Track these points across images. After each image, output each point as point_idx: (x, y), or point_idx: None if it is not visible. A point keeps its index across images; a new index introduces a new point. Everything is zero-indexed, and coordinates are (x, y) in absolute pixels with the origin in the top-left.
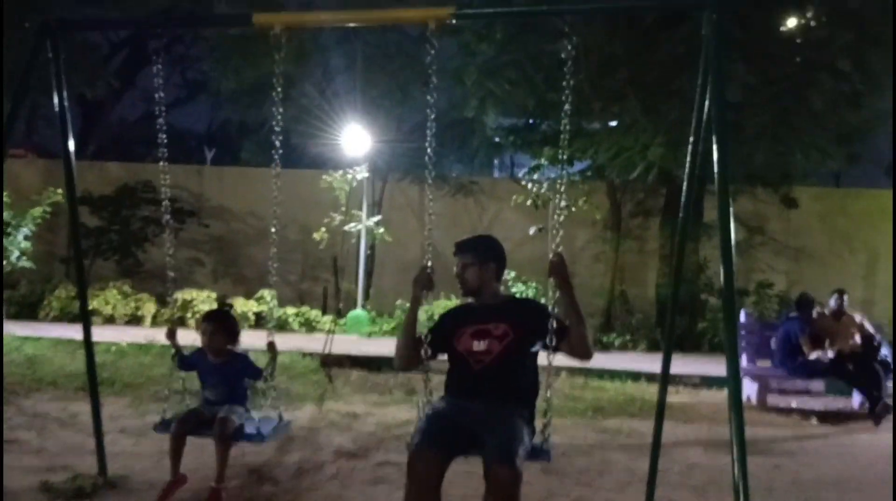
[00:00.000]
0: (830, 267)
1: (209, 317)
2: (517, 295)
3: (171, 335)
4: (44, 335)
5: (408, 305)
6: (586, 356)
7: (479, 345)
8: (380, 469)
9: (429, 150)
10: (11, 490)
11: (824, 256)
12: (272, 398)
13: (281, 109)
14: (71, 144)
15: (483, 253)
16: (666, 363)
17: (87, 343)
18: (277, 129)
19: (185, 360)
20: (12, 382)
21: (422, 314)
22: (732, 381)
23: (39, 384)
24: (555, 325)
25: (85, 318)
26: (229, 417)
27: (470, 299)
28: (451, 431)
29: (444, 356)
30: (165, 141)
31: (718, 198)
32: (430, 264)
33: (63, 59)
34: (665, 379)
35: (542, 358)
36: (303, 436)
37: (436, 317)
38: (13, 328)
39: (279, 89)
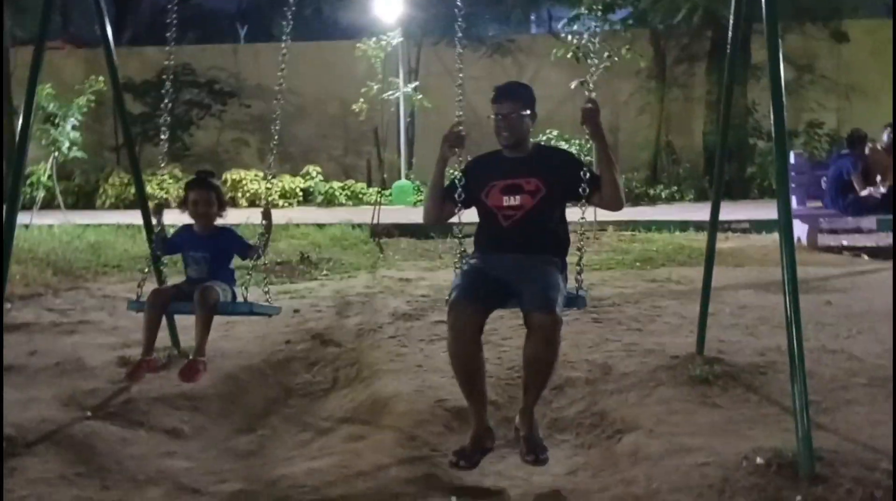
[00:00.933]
0: (883, 103)
1: (194, 183)
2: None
3: (159, 211)
4: (103, 222)
5: (452, 170)
6: (618, 205)
7: (509, 200)
8: (435, 328)
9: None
10: (90, 366)
11: (877, 92)
12: (265, 281)
13: None
14: (108, 31)
15: (525, 101)
16: (715, 209)
17: (148, 227)
18: None
19: (168, 242)
20: (79, 267)
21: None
22: (783, 218)
23: (106, 268)
24: (587, 175)
25: (143, 201)
26: (212, 286)
27: (499, 149)
28: (486, 284)
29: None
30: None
31: (767, 37)
32: (461, 123)
33: None
34: (714, 224)
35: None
36: (360, 302)
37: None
38: (73, 217)
39: None
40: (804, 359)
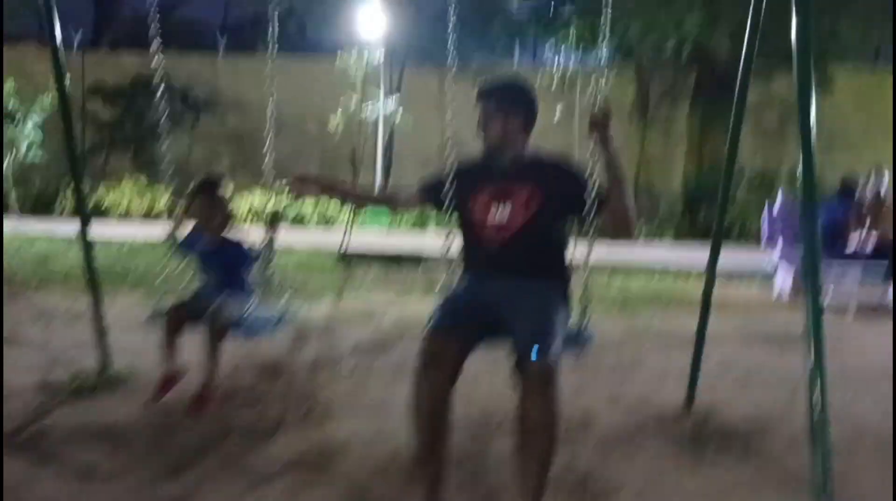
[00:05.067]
0: (862, 153)
1: (206, 187)
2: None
3: (179, 219)
4: (58, 232)
5: None
6: (627, 229)
7: (497, 215)
8: (402, 364)
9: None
10: (11, 388)
11: (856, 140)
12: (275, 287)
13: None
14: (57, 32)
15: (521, 101)
16: (714, 253)
17: (83, 231)
18: None
19: (186, 242)
20: (22, 279)
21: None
22: (811, 277)
23: (49, 281)
24: (595, 190)
25: (80, 205)
26: (223, 306)
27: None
28: (470, 314)
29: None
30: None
31: (798, 79)
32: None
33: None
34: (712, 270)
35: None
36: (320, 331)
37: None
38: (28, 225)
39: None
40: (828, 427)
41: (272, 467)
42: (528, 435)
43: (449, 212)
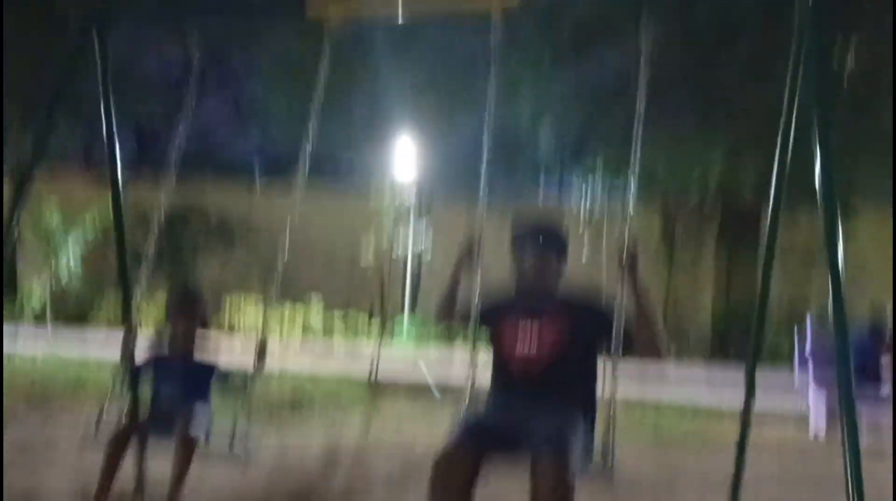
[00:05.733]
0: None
1: (184, 298)
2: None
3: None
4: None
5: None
6: (656, 354)
7: (528, 348)
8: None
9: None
10: None
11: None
12: (243, 416)
13: (322, 97)
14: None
15: (558, 245)
16: (749, 393)
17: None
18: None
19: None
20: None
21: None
22: (847, 414)
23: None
24: (622, 327)
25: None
26: (194, 412)
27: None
28: (486, 429)
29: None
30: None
31: (825, 220)
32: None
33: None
34: (748, 410)
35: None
36: (349, 462)
37: None
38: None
39: (322, 87)
40: None
41: None
42: None
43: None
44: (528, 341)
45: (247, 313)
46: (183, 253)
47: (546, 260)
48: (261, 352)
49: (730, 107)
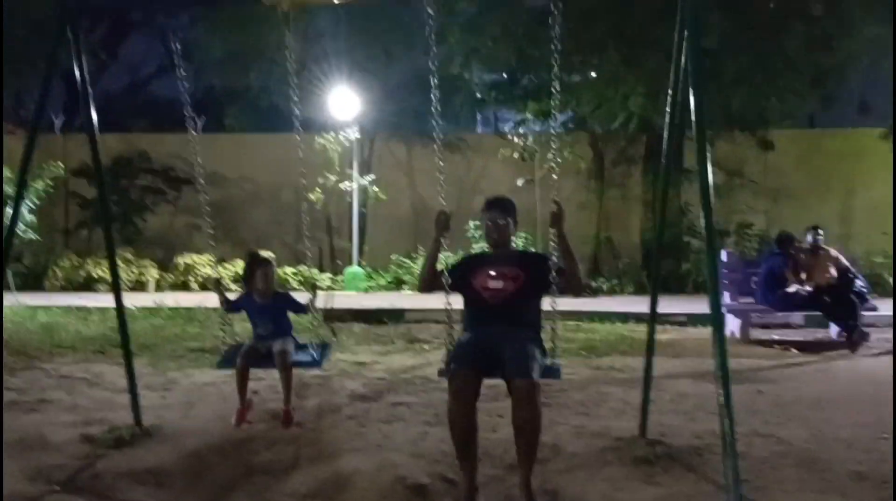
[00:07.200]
0: (808, 206)
1: (262, 261)
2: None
3: (219, 284)
4: (53, 304)
5: (402, 258)
6: (579, 291)
7: (495, 283)
8: (393, 409)
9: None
10: (54, 443)
11: (802, 195)
12: (316, 327)
13: (296, 80)
14: (94, 117)
15: (511, 211)
16: (653, 303)
17: (119, 304)
18: (296, 98)
19: (234, 303)
20: (33, 347)
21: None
22: (714, 312)
23: (59, 349)
24: (554, 271)
25: (115, 280)
26: (286, 348)
27: (486, 249)
28: (478, 353)
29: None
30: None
31: (697, 145)
32: (445, 211)
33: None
34: (653, 317)
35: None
36: (317, 384)
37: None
38: (23, 299)
39: (292, 64)
40: (735, 440)
41: (293, 498)
42: (521, 429)
43: (457, 286)
44: (496, 276)
45: (199, 271)
46: (132, 201)
47: (504, 221)
48: (314, 290)
49: (647, 44)
